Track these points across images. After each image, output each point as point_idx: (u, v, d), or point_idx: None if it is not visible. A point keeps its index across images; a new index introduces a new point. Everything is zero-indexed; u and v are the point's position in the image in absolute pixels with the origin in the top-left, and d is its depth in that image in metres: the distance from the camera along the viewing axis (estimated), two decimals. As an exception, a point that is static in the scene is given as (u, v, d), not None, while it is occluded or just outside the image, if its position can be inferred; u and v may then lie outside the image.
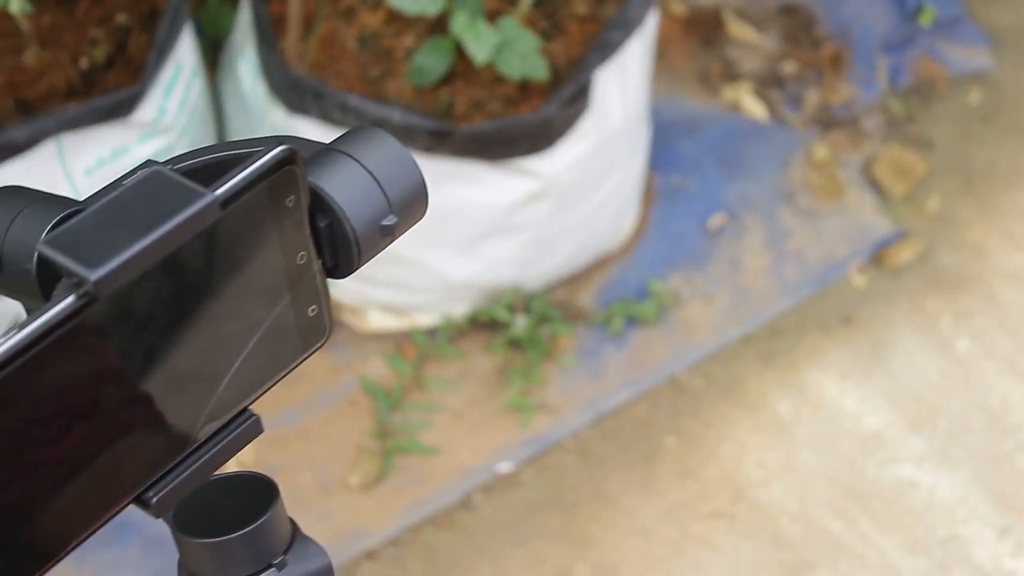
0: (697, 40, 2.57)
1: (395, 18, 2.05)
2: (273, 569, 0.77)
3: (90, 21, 2.03)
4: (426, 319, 2.16)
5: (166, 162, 0.73)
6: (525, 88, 2.01)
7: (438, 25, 2.04)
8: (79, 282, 0.63)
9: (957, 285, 2.31)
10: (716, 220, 2.34)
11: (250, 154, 0.69)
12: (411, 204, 0.76)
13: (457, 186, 1.98)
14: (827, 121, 2.48)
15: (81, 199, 0.73)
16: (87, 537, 0.68)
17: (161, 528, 1.94)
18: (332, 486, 2.02)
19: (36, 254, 0.68)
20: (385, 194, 0.74)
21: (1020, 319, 2.27)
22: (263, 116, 2.00)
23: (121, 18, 2.04)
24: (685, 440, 2.11)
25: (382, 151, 0.75)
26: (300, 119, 1.95)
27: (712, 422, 2.13)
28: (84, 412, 0.66)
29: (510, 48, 1.96)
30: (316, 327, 0.75)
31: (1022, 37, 2.68)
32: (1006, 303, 2.29)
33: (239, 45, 2.06)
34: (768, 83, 2.52)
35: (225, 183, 0.67)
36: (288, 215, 0.71)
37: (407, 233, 2.00)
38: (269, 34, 1.95)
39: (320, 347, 0.77)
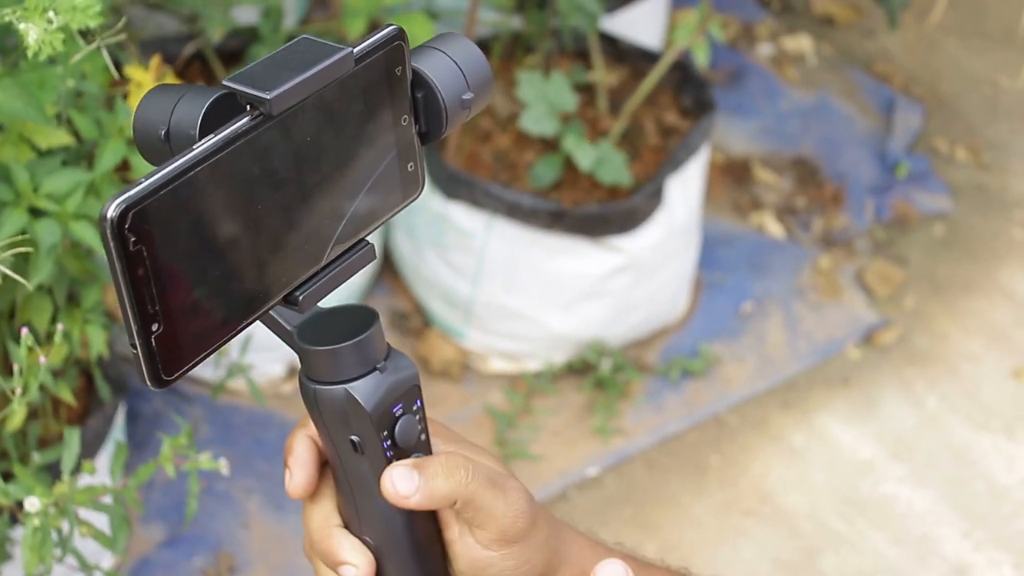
0: (732, 180, 2.80)
1: (521, 139, 2.32)
2: (376, 371, 0.78)
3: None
4: (533, 364, 2.36)
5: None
6: (613, 193, 2.26)
7: (551, 146, 2.31)
8: (256, 103, 0.68)
9: (927, 361, 2.51)
10: (747, 307, 2.55)
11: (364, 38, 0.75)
12: (483, 86, 0.80)
13: (565, 258, 2.20)
14: (829, 241, 2.69)
15: None
16: (254, 321, 0.73)
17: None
18: (464, 479, 2.21)
19: (199, 119, 0.72)
20: (465, 77, 0.78)
21: (974, 386, 2.46)
22: (424, 203, 2.24)
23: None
24: (726, 459, 2.30)
25: (463, 48, 0.79)
26: (453, 204, 2.18)
27: (745, 447, 2.32)
28: (252, 218, 0.70)
29: (605, 162, 2.20)
30: (413, 181, 0.80)
31: (972, 190, 2.90)
32: (964, 375, 2.48)
33: (406, 156, 2.32)
34: (785, 212, 2.74)
35: (358, 45, 0.73)
36: (396, 82, 0.76)
37: (527, 294, 2.28)
38: (433, 144, 2.23)
39: (415, 199, 0.81)
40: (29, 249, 1.05)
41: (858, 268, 2.66)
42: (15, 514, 1.66)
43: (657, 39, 2.86)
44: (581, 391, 2.36)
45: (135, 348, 0.66)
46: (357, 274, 0.80)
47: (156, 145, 0.75)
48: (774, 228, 2.71)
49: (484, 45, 2.42)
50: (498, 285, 2.26)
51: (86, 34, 1.32)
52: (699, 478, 2.27)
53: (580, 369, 2.38)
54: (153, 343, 0.67)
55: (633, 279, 2.27)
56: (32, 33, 1.08)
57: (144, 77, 1.73)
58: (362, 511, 0.83)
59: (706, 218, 2.65)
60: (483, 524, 0.83)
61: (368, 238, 0.79)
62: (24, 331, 1.18)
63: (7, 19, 1.09)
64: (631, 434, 2.30)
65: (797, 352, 2.48)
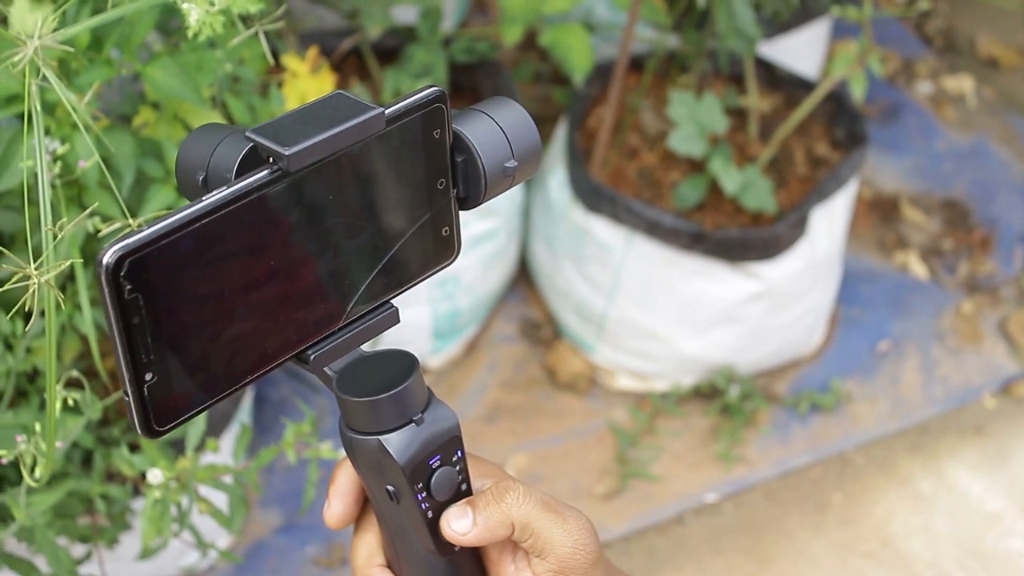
0: (878, 217, 2.76)
1: (667, 158, 2.31)
2: (413, 424, 0.76)
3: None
4: (660, 384, 2.34)
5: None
6: (756, 220, 2.24)
7: (697, 167, 2.31)
8: (275, 157, 0.66)
9: (1067, 417, 2.45)
10: (883, 346, 2.50)
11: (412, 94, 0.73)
12: (529, 155, 0.77)
13: (702, 280, 2.17)
14: (973, 286, 2.63)
15: None
16: (259, 378, 0.71)
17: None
18: (581, 493, 2.19)
19: (236, 166, 0.70)
20: (510, 144, 0.76)
21: (1115, 448, 2.41)
22: (565, 215, 2.25)
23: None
24: (848, 498, 2.25)
25: (511, 114, 0.77)
26: (595, 217, 2.17)
27: (870, 488, 2.27)
28: (263, 273, 0.68)
29: (751, 187, 2.19)
30: (447, 246, 0.78)
31: None
32: (1104, 435, 2.43)
33: (550, 166, 2.32)
34: (930, 253, 2.68)
35: (392, 105, 0.71)
36: (435, 145, 0.73)
37: (661, 313, 2.25)
38: (578, 155, 2.23)
39: (448, 265, 0.79)
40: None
41: (1002, 316, 2.59)
42: (137, 485, 1.68)
43: (814, 68, 2.82)
44: (706, 416, 2.33)
45: (127, 396, 0.65)
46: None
47: (195, 189, 0.73)
48: (918, 269, 2.65)
49: (638, 62, 2.41)
50: (632, 302, 2.24)
51: (246, 20, 1.34)
52: (819, 515, 2.22)
53: (707, 393, 2.35)
54: (145, 392, 0.64)
55: (769, 307, 2.24)
56: (194, 14, 1.10)
57: (300, 67, 1.75)
58: (400, 554, 0.83)
59: (849, 253, 2.61)
60: (542, 552, 0.82)
61: (394, 301, 0.77)
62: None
63: (171, -1, 1.11)
64: (754, 464, 2.27)
65: (931, 396, 2.42)
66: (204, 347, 0.66)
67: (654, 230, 2.13)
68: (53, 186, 1.28)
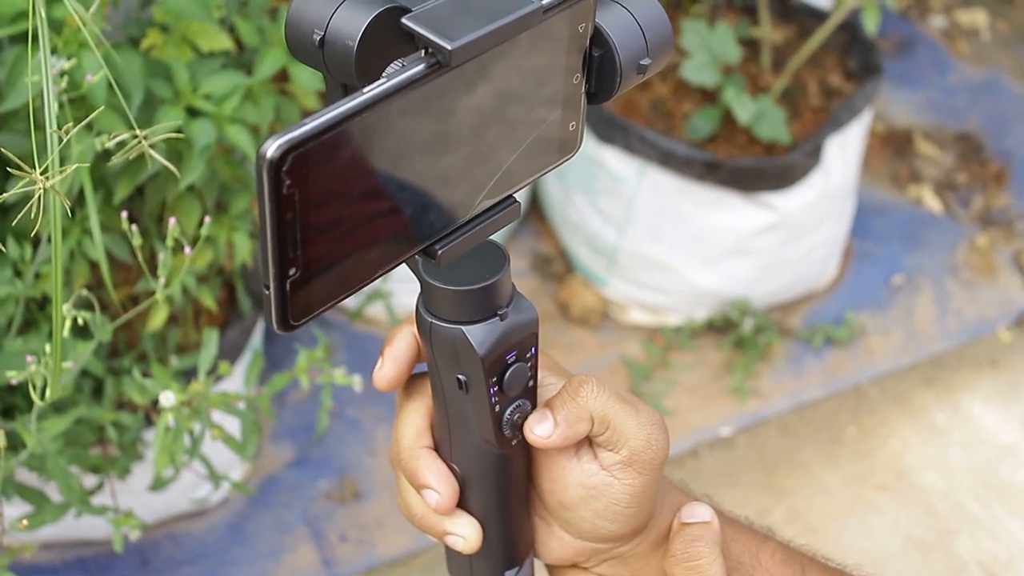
0: (892, 151, 2.73)
1: (680, 89, 2.28)
2: (497, 318, 0.77)
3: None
4: (673, 318, 2.31)
5: None
6: (770, 150, 2.21)
7: (710, 97, 2.28)
8: (436, 50, 0.64)
9: (1082, 349, 2.42)
10: (897, 279, 2.48)
11: None
12: (662, 52, 0.75)
13: (715, 211, 2.14)
14: (988, 220, 2.59)
15: None
16: (383, 274, 0.70)
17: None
18: (595, 426, 2.19)
19: (360, 32, 0.68)
20: (647, 41, 0.73)
21: None
22: (577, 147, 2.23)
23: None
24: (862, 431, 2.23)
25: (647, 7, 0.74)
26: (607, 148, 2.15)
27: (884, 421, 2.25)
28: (406, 168, 0.67)
29: (764, 117, 2.16)
30: (571, 140, 0.76)
31: None
32: (1120, 368, 2.40)
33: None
34: (944, 187, 2.65)
35: None
36: (577, 40, 0.71)
37: (673, 246, 2.23)
38: (590, 86, 2.20)
39: (570, 158, 0.77)
40: (181, 135, 1.03)
41: (1016, 250, 2.56)
42: (149, 415, 1.67)
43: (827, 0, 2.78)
44: (720, 349, 2.31)
45: (267, 290, 0.64)
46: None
47: (308, 48, 0.71)
48: (932, 202, 2.62)
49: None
50: (645, 234, 2.21)
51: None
52: (833, 448, 2.20)
53: (721, 327, 2.33)
54: (287, 288, 0.64)
55: (783, 238, 2.21)
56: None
57: (309, -8, 1.71)
58: (455, 440, 0.82)
59: (862, 187, 2.58)
60: (616, 444, 0.81)
61: (516, 195, 0.76)
62: (172, 221, 1.17)
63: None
64: (767, 397, 2.25)
65: (946, 329, 2.40)
66: (345, 242, 0.66)
67: (667, 160, 2.10)
68: (61, 105, 1.25)
